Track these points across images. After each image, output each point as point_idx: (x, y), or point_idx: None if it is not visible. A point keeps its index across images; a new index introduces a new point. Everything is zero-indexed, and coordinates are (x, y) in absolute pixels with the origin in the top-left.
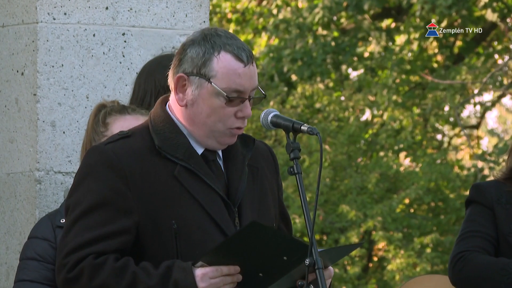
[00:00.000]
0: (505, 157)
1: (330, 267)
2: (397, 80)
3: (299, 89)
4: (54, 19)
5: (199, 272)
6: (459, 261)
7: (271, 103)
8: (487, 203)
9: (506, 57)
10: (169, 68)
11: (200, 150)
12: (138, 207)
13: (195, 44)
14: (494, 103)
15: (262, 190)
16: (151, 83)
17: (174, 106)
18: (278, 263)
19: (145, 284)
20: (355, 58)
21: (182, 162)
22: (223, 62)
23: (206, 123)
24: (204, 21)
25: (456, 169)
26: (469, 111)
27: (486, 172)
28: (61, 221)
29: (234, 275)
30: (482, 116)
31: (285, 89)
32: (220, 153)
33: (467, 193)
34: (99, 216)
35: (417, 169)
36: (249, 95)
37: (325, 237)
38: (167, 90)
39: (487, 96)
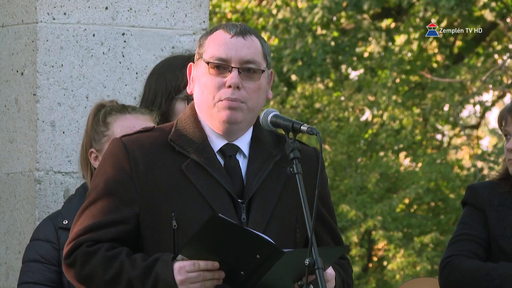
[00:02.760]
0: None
1: (328, 271)
2: (397, 80)
3: (299, 89)
4: (54, 19)
5: (177, 265)
6: (446, 266)
7: (271, 103)
8: (479, 205)
9: (506, 57)
10: (180, 69)
11: (219, 145)
12: (140, 198)
13: (202, 35)
14: (494, 102)
15: (287, 191)
16: (162, 84)
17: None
18: (253, 261)
19: (128, 275)
20: (355, 58)
21: (193, 156)
22: (213, 37)
23: (203, 100)
24: (204, 21)
25: (456, 169)
26: (468, 111)
27: (485, 172)
28: (63, 222)
29: (215, 271)
30: (482, 116)
31: (285, 89)
32: (245, 150)
33: None
34: (101, 206)
35: (417, 169)
36: (240, 66)
37: None
38: (178, 91)
39: (487, 96)
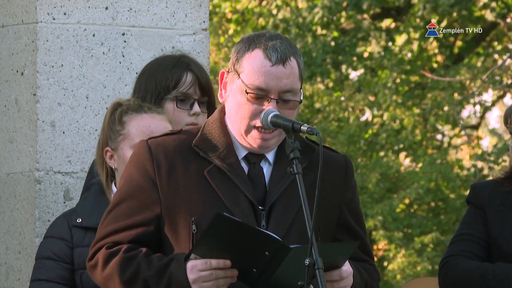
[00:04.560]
0: (505, 157)
1: (344, 268)
2: (397, 80)
3: None
4: (54, 19)
5: (189, 264)
6: (444, 266)
7: None
8: (480, 204)
9: (506, 57)
10: (170, 69)
11: (244, 152)
12: (162, 201)
13: (239, 42)
14: (494, 102)
15: (310, 198)
16: (151, 84)
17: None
18: (262, 258)
19: (144, 274)
20: (355, 58)
21: (216, 162)
22: (252, 59)
23: (236, 120)
24: (204, 21)
25: (456, 169)
26: (468, 111)
27: (485, 172)
28: (77, 221)
29: (228, 269)
30: (482, 116)
31: None
32: (270, 157)
33: (467, 193)
34: (125, 208)
35: (417, 169)
36: (279, 96)
37: None
38: (167, 91)
39: (487, 96)
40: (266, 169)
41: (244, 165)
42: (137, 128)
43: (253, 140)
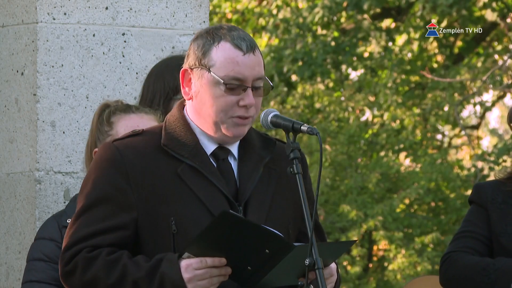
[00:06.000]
0: (506, 157)
1: (331, 266)
2: (398, 80)
3: (299, 89)
4: (54, 19)
5: (183, 263)
6: (445, 262)
7: (271, 103)
8: (482, 203)
9: (506, 57)
10: (177, 70)
11: (211, 148)
12: (138, 203)
13: (198, 38)
14: (494, 103)
15: (278, 192)
16: (160, 85)
17: (187, 104)
18: (261, 256)
19: (133, 276)
20: (355, 58)
21: (187, 160)
22: (221, 51)
23: (210, 114)
24: (204, 21)
25: (456, 169)
26: (469, 111)
27: (486, 172)
28: (67, 221)
29: (222, 267)
30: (482, 116)
31: (285, 89)
32: (235, 153)
33: (467, 193)
34: (98, 212)
35: (417, 169)
36: (252, 84)
37: None
38: (176, 91)
39: (487, 96)
40: (233, 164)
41: (213, 162)
42: (126, 129)
43: (231, 129)
